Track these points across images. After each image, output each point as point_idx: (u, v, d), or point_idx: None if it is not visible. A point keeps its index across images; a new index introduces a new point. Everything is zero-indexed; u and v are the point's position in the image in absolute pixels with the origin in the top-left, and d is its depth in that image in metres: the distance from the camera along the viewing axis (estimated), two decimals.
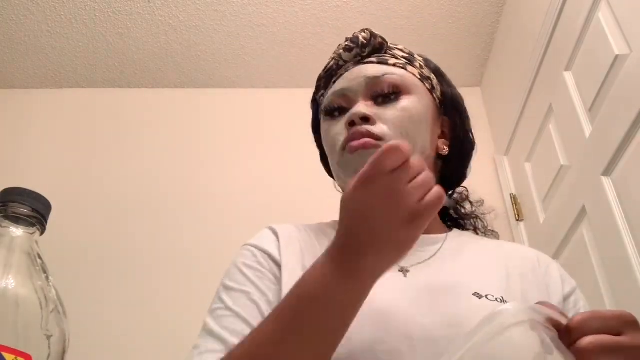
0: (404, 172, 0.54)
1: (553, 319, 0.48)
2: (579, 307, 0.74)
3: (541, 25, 1.90)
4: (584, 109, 1.63)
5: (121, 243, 2.07)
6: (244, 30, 2.31)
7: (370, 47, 0.84)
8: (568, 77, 1.74)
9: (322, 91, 0.88)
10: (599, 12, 1.56)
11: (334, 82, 0.85)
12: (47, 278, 0.54)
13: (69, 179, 2.22)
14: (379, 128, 0.76)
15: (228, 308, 0.69)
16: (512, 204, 2.10)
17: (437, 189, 0.56)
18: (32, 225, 0.55)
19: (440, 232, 0.82)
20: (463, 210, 0.93)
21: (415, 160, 0.55)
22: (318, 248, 0.76)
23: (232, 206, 2.16)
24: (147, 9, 2.23)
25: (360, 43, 0.84)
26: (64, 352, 0.53)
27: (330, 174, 0.90)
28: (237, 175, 2.25)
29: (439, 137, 0.85)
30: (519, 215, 2.07)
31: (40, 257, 0.55)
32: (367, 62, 0.83)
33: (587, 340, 0.47)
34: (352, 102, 0.81)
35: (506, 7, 2.24)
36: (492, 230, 0.93)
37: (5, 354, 0.47)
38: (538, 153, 1.96)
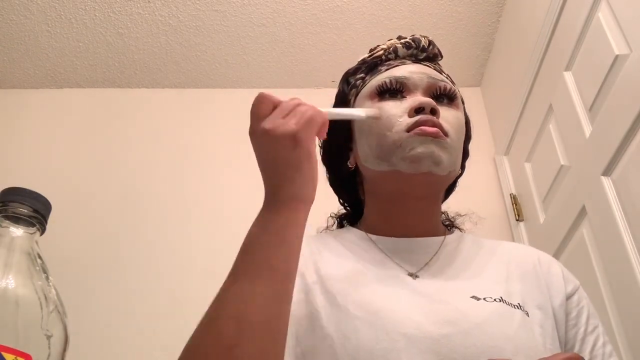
0: (277, 111, 0.64)
1: None
2: (582, 306, 0.74)
3: (541, 25, 1.90)
4: (584, 109, 1.63)
5: (121, 243, 2.07)
6: (244, 30, 2.31)
7: (426, 53, 0.87)
8: (568, 77, 1.74)
9: (363, 74, 0.87)
10: (599, 12, 1.56)
11: (382, 70, 0.84)
12: (47, 278, 0.54)
13: (69, 179, 2.22)
14: (445, 124, 0.77)
15: None
16: (512, 204, 2.10)
17: (308, 108, 0.64)
18: (32, 225, 0.55)
19: (441, 235, 0.82)
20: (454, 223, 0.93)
21: (288, 100, 0.65)
22: (319, 260, 0.76)
23: (232, 206, 2.16)
24: (147, 9, 2.23)
25: (421, 46, 0.86)
26: (64, 352, 0.53)
27: (330, 160, 0.89)
28: (237, 175, 2.25)
29: None
30: (519, 215, 2.07)
31: (40, 257, 0.55)
32: (425, 65, 0.85)
33: None
34: (409, 92, 0.80)
35: (506, 7, 2.24)
36: None
37: (5, 354, 0.47)
38: (538, 153, 1.96)
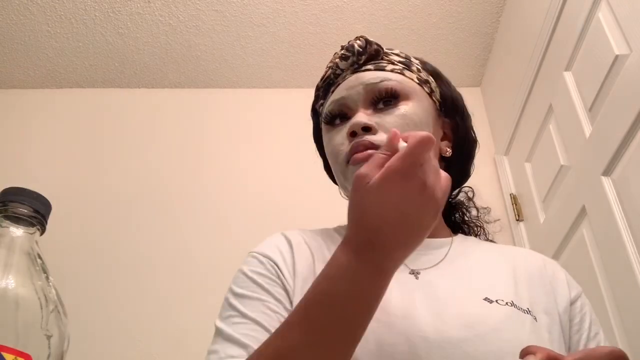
0: (430, 164, 0.55)
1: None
2: (585, 312, 0.74)
3: (541, 25, 1.90)
4: (584, 109, 1.63)
5: (121, 243, 2.07)
6: (244, 30, 2.31)
7: (366, 55, 0.83)
8: (568, 77, 1.74)
9: (322, 101, 0.87)
10: (599, 12, 1.56)
11: (333, 91, 0.84)
12: (47, 278, 0.54)
13: (69, 179, 2.22)
14: (380, 137, 0.75)
15: (244, 315, 0.68)
16: (512, 204, 2.10)
17: (445, 176, 0.57)
18: (32, 225, 0.55)
19: (446, 236, 0.82)
20: (467, 217, 0.92)
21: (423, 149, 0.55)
22: (327, 254, 0.75)
23: (232, 206, 2.16)
24: (147, 9, 2.23)
25: (356, 51, 0.83)
26: (63, 352, 0.53)
27: (335, 181, 0.90)
28: (237, 175, 2.25)
29: (442, 139, 0.84)
30: (519, 215, 2.07)
31: (40, 257, 0.55)
32: (364, 70, 0.82)
33: None
34: (352, 111, 0.80)
35: (506, 7, 2.24)
36: (492, 241, 0.93)
37: (5, 354, 0.47)
38: (538, 153, 1.96)
